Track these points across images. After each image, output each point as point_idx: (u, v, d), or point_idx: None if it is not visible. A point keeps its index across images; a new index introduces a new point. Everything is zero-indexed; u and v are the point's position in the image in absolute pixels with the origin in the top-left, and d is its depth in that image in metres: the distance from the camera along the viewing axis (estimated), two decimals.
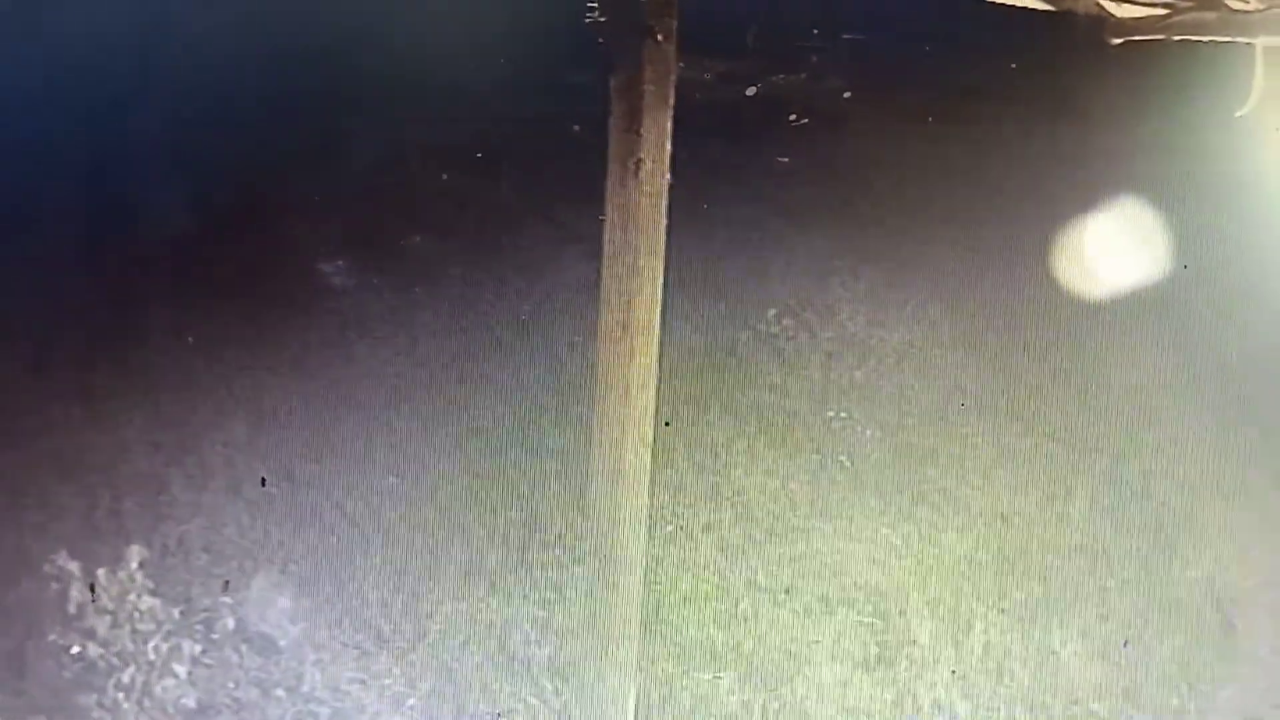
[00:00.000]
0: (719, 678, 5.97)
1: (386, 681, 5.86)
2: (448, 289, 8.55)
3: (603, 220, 4.54)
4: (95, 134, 8.93)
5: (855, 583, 6.46)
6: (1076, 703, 6.01)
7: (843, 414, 7.66)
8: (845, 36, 10.67)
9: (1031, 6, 5.21)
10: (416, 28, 9.71)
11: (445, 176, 9.59)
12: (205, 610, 5.99)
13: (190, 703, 5.64)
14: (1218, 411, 7.28)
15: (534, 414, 7.56)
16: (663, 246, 4.49)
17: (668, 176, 4.45)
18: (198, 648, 5.70)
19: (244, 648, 5.93)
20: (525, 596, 6.33)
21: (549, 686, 5.86)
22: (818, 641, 6.12)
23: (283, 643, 6.01)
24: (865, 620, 6.24)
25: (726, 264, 8.79)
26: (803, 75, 10.91)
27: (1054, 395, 7.65)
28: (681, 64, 4.46)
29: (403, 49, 9.72)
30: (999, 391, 7.72)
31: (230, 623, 5.93)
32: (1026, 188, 8.96)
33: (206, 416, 7.36)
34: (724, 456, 7.30)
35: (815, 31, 10.73)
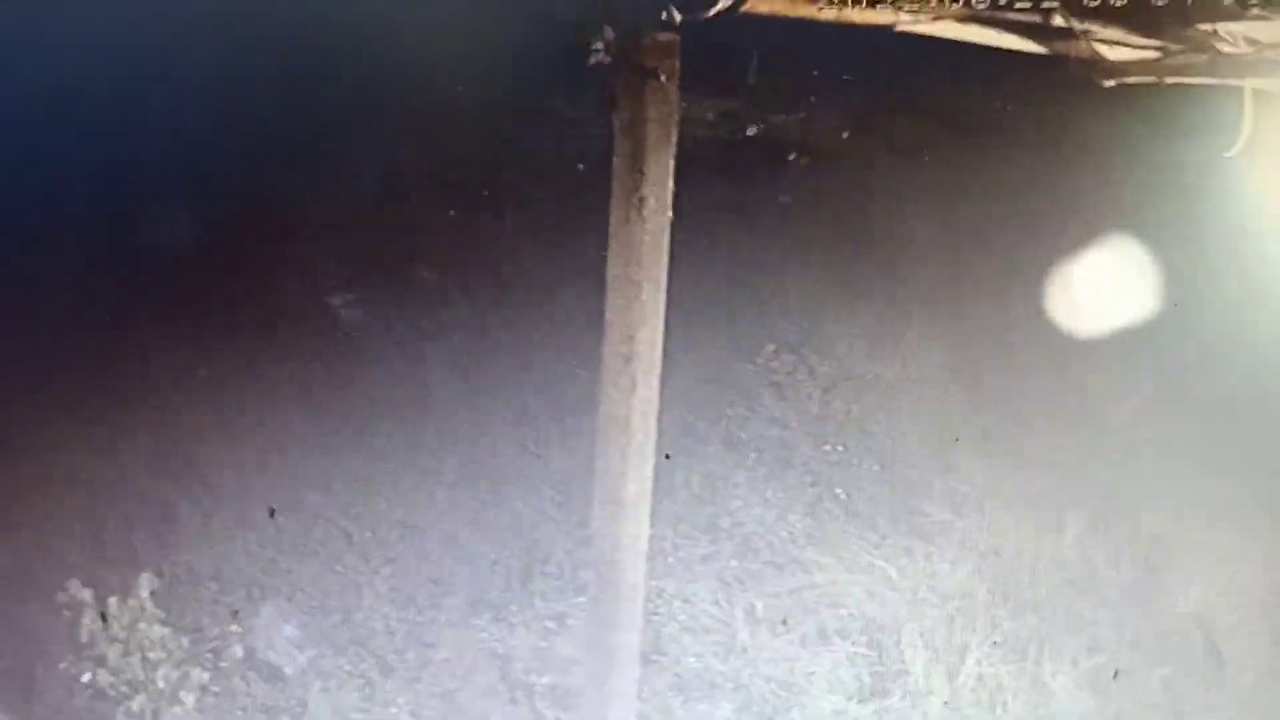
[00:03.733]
0: (717, 708, 6.03)
1: (391, 710, 5.92)
2: (453, 322, 8.66)
3: (606, 256, 4.59)
4: (103, 161, 9.03)
5: (851, 614, 6.53)
6: None
7: (839, 447, 7.75)
8: (844, 78, 10.83)
9: (1025, 50, 5.29)
10: (425, 69, 9.84)
11: (452, 213, 9.72)
12: (214, 639, 6.06)
13: None
14: (1206, 445, 7.35)
15: (537, 445, 7.66)
16: (664, 282, 4.52)
17: (670, 214, 4.48)
18: (206, 676, 5.74)
19: (251, 676, 5.99)
20: (527, 626, 6.39)
21: (550, 715, 5.91)
22: (814, 672, 6.17)
23: (289, 671, 6.07)
24: (860, 651, 6.30)
25: (727, 300, 8.89)
26: (802, 115, 11.08)
27: (1046, 430, 7.74)
28: (684, 104, 4.50)
29: (410, 90, 9.86)
30: (992, 426, 7.81)
31: (238, 651, 5.99)
32: (1020, 226, 9.07)
33: (215, 447, 7.45)
34: (723, 489, 7.39)
35: (814, 73, 10.89)
